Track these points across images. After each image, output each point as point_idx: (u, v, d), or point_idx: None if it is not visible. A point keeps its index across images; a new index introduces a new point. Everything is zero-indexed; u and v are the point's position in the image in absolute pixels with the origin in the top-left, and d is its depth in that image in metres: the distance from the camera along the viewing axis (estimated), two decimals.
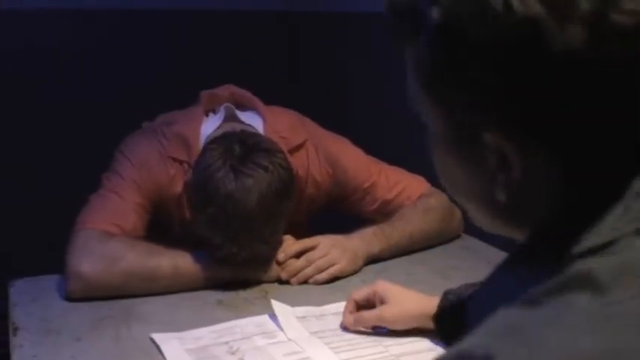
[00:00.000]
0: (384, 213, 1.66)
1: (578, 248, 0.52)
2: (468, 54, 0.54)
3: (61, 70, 2.73)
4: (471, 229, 1.74)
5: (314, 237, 1.52)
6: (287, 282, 1.48)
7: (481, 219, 0.65)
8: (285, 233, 1.51)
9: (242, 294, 1.42)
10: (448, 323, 1.16)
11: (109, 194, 1.50)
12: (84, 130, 2.70)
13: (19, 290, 1.44)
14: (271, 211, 1.37)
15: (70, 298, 1.39)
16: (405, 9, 0.59)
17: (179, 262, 1.43)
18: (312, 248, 1.50)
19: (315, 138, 1.65)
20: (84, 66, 2.75)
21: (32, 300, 1.40)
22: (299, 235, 1.55)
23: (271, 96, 1.68)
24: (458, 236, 1.73)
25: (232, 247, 1.38)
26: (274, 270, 1.48)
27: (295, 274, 1.48)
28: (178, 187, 1.54)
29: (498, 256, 1.60)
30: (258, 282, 1.47)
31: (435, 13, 0.55)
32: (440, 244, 1.69)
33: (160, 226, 1.57)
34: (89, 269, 1.38)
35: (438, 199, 1.67)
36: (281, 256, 1.47)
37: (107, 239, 1.42)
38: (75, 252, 1.40)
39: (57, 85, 2.71)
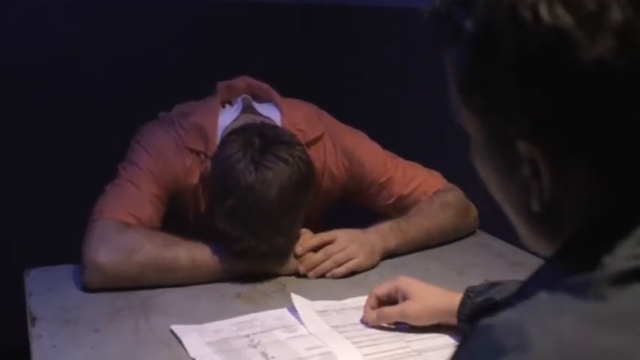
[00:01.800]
0: (400, 208, 1.65)
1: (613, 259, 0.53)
2: (499, 64, 0.54)
3: (62, 67, 2.71)
4: (486, 225, 1.73)
5: (332, 231, 1.52)
6: (305, 275, 1.47)
7: (519, 229, 0.65)
8: (302, 227, 1.50)
9: (260, 287, 1.41)
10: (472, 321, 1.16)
11: (126, 184, 1.49)
12: (87, 125, 2.68)
13: (35, 279, 1.43)
14: (291, 203, 1.36)
15: (86, 289, 1.38)
16: (442, 15, 0.60)
17: (196, 254, 1.42)
18: (330, 242, 1.49)
19: (332, 131, 1.65)
20: (88, 62, 2.73)
21: (47, 289, 1.39)
22: (314, 229, 1.54)
23: (282, 89, 1.67)
24: (473, 232, 1.73)
25: (251, 240, 1.37)
26: (292, 263, 1.47)
27: (313, 268, 1.47)
28: (195, 179, 1.53)
29: (513, 252, 1.60)
30: (275, 275, 1.46)
31: (468, 23, 0.56)
32: (455, 240, 1.68)
33: (176, 218, 1.56)
34: (107, 260, 1.37)
35: (454, 195, 1.67)
36: (299, 249, 1.46)
37: (124, 229, 1.41)
38: (92, 242, 1.39)
39: (57, 82, 2.69)
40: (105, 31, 2.72)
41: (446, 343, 1.20)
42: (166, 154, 1.52)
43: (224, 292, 1.39)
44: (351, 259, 1.48)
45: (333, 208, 1.72)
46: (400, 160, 1.69)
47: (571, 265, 0.56)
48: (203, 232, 1.51)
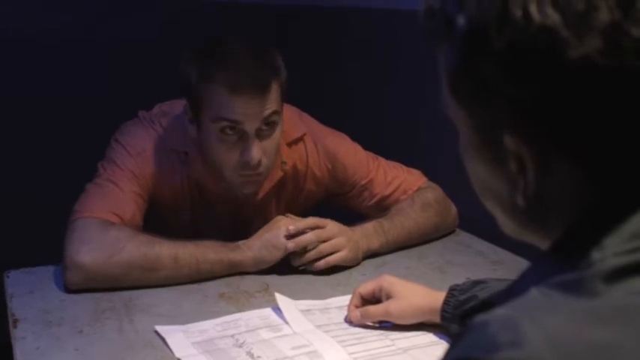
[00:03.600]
0: (381, 208, 1.67)
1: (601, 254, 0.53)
2: (488, 59, 0.55)
3: (43, 61, 2.68)
4: (466, 224, 1.75)
5: (323, 218, 1.52)
6: (288, 273, 1.48)
7: (506, 224, 0.66)
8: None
9: (243, 287, 1.42)
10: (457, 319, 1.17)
11: (107, 183, 1.48)
12: (66, 123, 2.66)
13: (16, 281, 1.42)
14: (262, 59, 1.42)
15: (68, 290, 1.37)
16: (436, 11, 0.61)
17: (179, 252, 1.42)
18: (321, 227, 1.50)
19: (314, 133, 1.66)
20: (73, 57, 2.71)
21: (29, 291, 1.38)
22: None
23: None
24: (453, 231, 1.74)
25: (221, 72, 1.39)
26: (281, 244, 1.46)
27: (302, 246, 1.47)
28: (176, 179, 1.54)
29: (494, 251, 1.62)
30: (260, 271, 1.47)
31: (460, 19, 0.57)
32: (436, 238, 1.70)
33: (158, 223, 1.56)
34: (88, 259, 1.36)
35: (434, 194, 1.69)
36: (291, 227, 1.46)
37: (107, 228, 1.40)
38: (74, 242, 1.38)
39: (33, 77, 2.67)
40: (89, 27, 2.71)
41: (430, 341, 1.21)
42: (146, 154, 1.52)
43: (207, 292, 1.39)
44: (336, 251, 1.49)
45: (314, 207, 1.73)
46: (381, 160, 1.71)
47: (562, 261, 0.56)
48: (186, 233, 1.52)
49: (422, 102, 2.03)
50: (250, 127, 1.40)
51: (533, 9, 0.53)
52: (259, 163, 1.43)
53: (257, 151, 1.42)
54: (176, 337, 1.20)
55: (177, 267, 1.41)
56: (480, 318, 0.54)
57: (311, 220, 1.49)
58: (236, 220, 1.65)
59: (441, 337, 1.22)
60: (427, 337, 1.22)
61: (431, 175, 1.75)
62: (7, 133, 2.61)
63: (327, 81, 2.55)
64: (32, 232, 2.16)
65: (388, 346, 1.19)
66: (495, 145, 0.59)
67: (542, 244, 0.63)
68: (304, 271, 1.49)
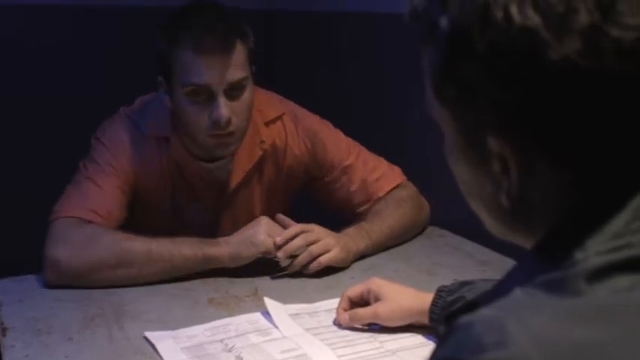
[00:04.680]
0: (364, 197, 1.69)
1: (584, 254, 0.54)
2: (471, 61, 0.56)
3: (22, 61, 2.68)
4: (454, 226, 1.76)
5: (309, 224, 1.53)
6: (277, 278, 1.49)
7: (491, 225, 0.67)
8: (266, 210, 1.60)
9: (232, 291, 1.42)
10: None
11: (84, 181, 1.52)
12: (51, 124, 2.66)
13: (5, 290, 1.42)
14: (226, 20, 1.47)
15: (57, 297, 1.37)
16: (420, 13, 0.61)
17: (153, 247, 1.44)
18: (307, 232, 1.51)
19: (295, 114, 1.69)
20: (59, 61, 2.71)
21: (18, 300, 1.38)
22: (278, 212, 1.60)
23: None
24: (425, 227, 1.77)
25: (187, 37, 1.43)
26: (259, 241, 1.46)
27: (291, 254, 1.48)
28: (156, 166, 1.58)
29: (481, 252, 1.63)
30: (249, 276, 1.48)
31: (443, 21, 0.58)
32: (414, 236, 1.73)
33: (145, 209, 1.60)
34: (63, 256, 1.40)
35: (407, 191, 1.72)
36: (278, 239, 1.47)
37: (82, 226, 1.44)
38: (51, 241, 1.42)
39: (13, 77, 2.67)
40: (89, 27, 2.71)
41: (419, 342, 1.21)
42: (124, 145, 1.56)
43: (196, 297, 1.40)
44: (327, 251, 1.49)
45: (296, 192, 1.76)
46: (363, 149, 1.74)
47: (545, 261, 0.57)
48: (172, 222, 1.58)
49: (410, 104, 2.04)
50: (217, 87, 1.44)
51: (514, 10, 0.53)
52: (229, 122, 1.46)
53: (225, 110, 1.44)
54: (166, 343, 1.20)
55: (150, 262, 1.43)
56: (465, 318, 0.54)
57: (297, 227, 1.50)
58: (219, 203, 1.66)
59: (429, 339, 1.22)
60: (416, 339, 1.22)
61: (419, 176, 1.77)
62: (7, 133, 2.61)
63: (312, 85, 2.56)
64: (33, 232, 2.15)
65: (377, 348, 1.20)
66: (479, 146, 0.59)
67: (527, 243, 0.63)
68: (293, 276, 1.50)
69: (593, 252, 0.54)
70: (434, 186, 1.79)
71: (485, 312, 0.54)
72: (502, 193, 0.60)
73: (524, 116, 0.55)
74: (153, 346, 1.20)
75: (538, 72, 0.53)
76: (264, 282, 1.47)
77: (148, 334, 1.23)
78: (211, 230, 1.63)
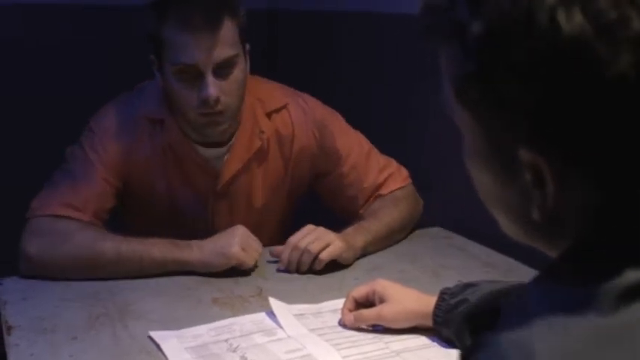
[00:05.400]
0: (370, 195, 1.69)
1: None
2: (507, 69, 0.52)
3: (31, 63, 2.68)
4: (459, 227, 1.76)
5: (303, 227, 1.54)
6: (281, 278, 1.49)
7: (509, 229, 0.64)
8: (270, 213, 1.65)
9: (237, 291, 1.42)
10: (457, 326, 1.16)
11: (64, 173, 1.55)
12: (75, 122, 2.65)
13: (9, 289, 1.42)
14: (214, 3, 1.45)
15: (62, 298, 1.38)
16: (442, 11, 0.57)
17: (122, 248, 1.45)
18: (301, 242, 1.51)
19: (305, 104, 1.68)
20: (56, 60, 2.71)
21: (23, 299, 1.38)
22: (283, 213, 1.68)
23: None
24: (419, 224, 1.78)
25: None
26: (231, 253, 1.46)
27: (292, 263, 1.49)
28: (150, 147, 1.58)
29: (486, 253, 1.62)
30: (253, 277, 1.48)
31: (475, 24, 0.53)
32: (410, 232, 1.74)
33: (137, 196, 1.62)
34: (34, 250, 1.45)
35: (402, 192, 1.72)
36: (275, 252, 1.48)
37: (56, 222, 1.48)
38: (26, 236, 1.47)
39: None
40: (89, 27, 2.71)
41: (423, 344, 1.21)
42: (113, 130, 1.57)
43: (201, 297, 1.40)
44: (327, 246, 1.49)
45: (302, 194, 1.75)
46: (373, 148, 1.73)
47: (575, 277, 0.54)
48: (167, 209, 1.60)
49: (415, 103, 2.04)
50: (205, 66, 1.43)
51: (561, 17, 0.49)
52: (217, 100, 1.46)
53: (213, 88, 1.44)
54: (170, 342, 1.20)
55: (119, 263, 1.45)
56: (491, 335, 0.53)
57: (291, 242, 1.51)
58: (215, 193, 1.65)
59: (433, 340, 1.22)
60: (420, 340, 1.22)
61: (424, 176, 1.77)
62: (7, 133, 2.61)
63: (314, 85, 2.56)
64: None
65: (382, 349, 1.19)
66: (505, 154, 0.56)
67: (547, 250, 0.62)
68: (298, 276, 1.50)
69: (626, 270, 0.52)
70: (439, 187, 1.79)
71: (511, 328, 0.52)
72: (533, 206, 0.56)
73: (565, 130, 0.52)
74: (157, 345, 1.20)
75: (586, 85, 0.50)
76: (268, 282, 1.47)
77: (152, 333, 1.23)
78: (206, 220, 1.65)
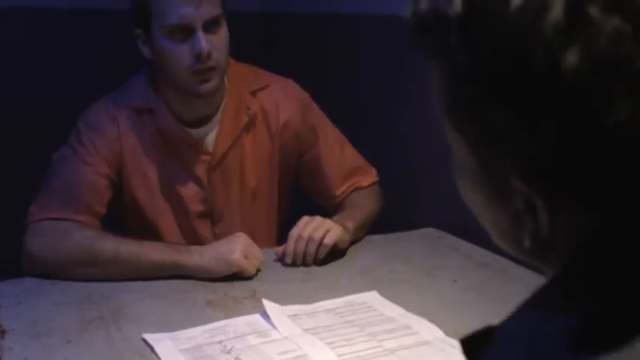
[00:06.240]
0: (347, 180, 1.78)
1: None
2: (501, 105, 0.49)
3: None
4: (452, 227, 1.76)
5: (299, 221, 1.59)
6: (275, 280, 1.49)
7: (506, 249, 0.62)
8: (264, 195, 1.72)
9: (231, 293, 1.42)
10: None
11: (58, 176, 1.59)
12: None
13: (3, 292, 1.42)
14: None
15: (55, 302, 1.37)
16: (434, 29, 0.53)
17: (121, 249, 1.48)
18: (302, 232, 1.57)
19: (287, 84, 1.77)
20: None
21: (17, 302, 1.38)
22: (275, 207, 1.73)
23: None
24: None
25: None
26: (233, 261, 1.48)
27: (297, 253, 1.55)
28: (142, 138, 1.63)
29: (480, 253, 1.63)
30: (247, 279, 1.48)
31: (467, 53, 0.50)
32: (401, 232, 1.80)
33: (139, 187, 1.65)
34: (38, 250, 1.49)
35: (378, 187, 1.83)
36: (279, 252, 1.57)
37: (57, 223, 1.52)
38: (28, 236, 1.52)
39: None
40: (89, 27, 2.72)
41: (417, 342, 1.21)
42: (102, 125, 1.62)
43: (195, 299, 1.40)
44: (328, 231, 1.55)
45: (289, 181, 1.80)
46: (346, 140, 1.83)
47: (557, 306, 0.52)
48: (165, 196, 1.65)
49: (411, 106, 2.05)
50: (195, 22, 1.50)
51: (557, 52, 0.46)
52: (209, 55, 1.51)
53: (206, 43, 1.50)
54: (164, 344, 1.20)
55: (117, 263, 1.47)
56: None
57: (293, 236, 1.56)
58: (210, 173, 1.69)
59: (427, 338, 1.22)
60: (414, 338, 1.22)
61: (417, 177, 1.77)
62: (6, 134, 2.61)
63: (315, 85, 2.56)
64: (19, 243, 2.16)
65: (376, 347, 1.20)
66: (497, 180, 0.54)
67: (544, 270, 0.59)
68: (292, 278, 1.50)
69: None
70: (432, 187, 1.79)
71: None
72: (524, 234, 0.54)
73: (557, 164, 0.49)
74: (151, 347, 1.20)
75: (581, 128, 0.47)
76: (262, 284, 1.47)
77: (146, 335, 1.23)
78: (205, 206, 1.69)
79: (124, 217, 1.68)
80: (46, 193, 1.56)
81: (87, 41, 2.73)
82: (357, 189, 1.78)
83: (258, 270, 1.51)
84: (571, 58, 0.45)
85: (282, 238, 1.77)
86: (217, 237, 1.62)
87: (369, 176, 1.81)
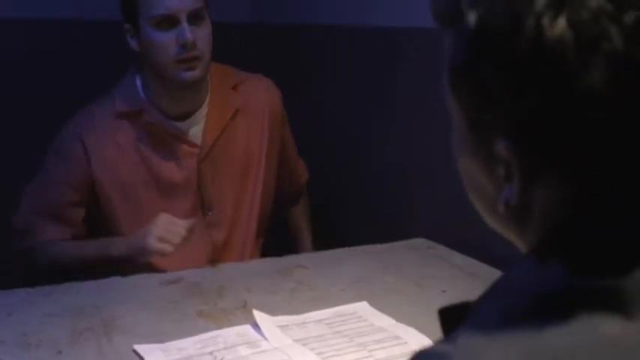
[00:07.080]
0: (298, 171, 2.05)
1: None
2: (492, 66, 0.54)
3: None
4: (443, 237, 1.77)
5: None
6: (266, 291, 1.49)
7: (487, 218, 0.65)
8: (251, 187, 1.83)
9: (221, 304, 1.42)
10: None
11: (37, 187, 1.75)
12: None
13: None
14: None
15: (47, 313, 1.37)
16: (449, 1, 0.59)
17: (68, 252, 1.70)
18: None
19: (261, 78, 1.91)
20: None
21: (8, 314, 1.38)
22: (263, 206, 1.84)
23: None
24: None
25: None
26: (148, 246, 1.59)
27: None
28: (131, 138, 1.72)
29: (470, 263, 1.63)
30: (238, 290, 1.48)
31: (471, 16, 0.55)
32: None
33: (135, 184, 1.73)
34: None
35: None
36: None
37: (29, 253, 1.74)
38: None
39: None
40: (89, 28, 2.72)
41: (407, 351, 1.22)
42: (65, 148, 1.72)
43: (185, 310, 1.40)
44: None
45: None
46: None
47: (537, 273, 0.55)
48: (161, 191, 1.73)
49: (404, 116, 2.06)
50: (180, 13, 1.61)
51: (546, 23, 0.51)
52: (194, 44, 1.62)
53: (190, 33, 1.61)
54: (155, 355, 1.21)
55: (69, 265, 1.68)
56: (423, 350, 0.54)
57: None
58: (201, 164, 1.76)
59: (417, 348, 1.23)
60: (404, 348, 1.23)
61: (409, 187, 1.77)
62: (7, 134, 2.61)
63: (297, 98, 2.57)
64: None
65: (366, 357, 1.20)
66: (487, 147, 0.57)
67: (518, 243, 0.62)
68: (282, 289, 1.51)
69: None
70: (423, 198, 1.80)
71: (442, 346, 0.54)
72: (500, 199, 0.58)
73: (536, 129, 0.53)
74: (142, 358, 1.20)
75: (558, 93, 0.51)
76: (252, 295, 1.47)
77: (137, 347, 1.23)
78: (196, 197, 1.76)
79: (110, 221, 1.75)
80: (28, 210, 1.75)
81: (84, 51, 2.74)
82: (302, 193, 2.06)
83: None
84: (557, 28, 0.51)
85: (272, 226, 1.90)
86: (209, 226, 1.74)
87: (305, 172, 2.07)
